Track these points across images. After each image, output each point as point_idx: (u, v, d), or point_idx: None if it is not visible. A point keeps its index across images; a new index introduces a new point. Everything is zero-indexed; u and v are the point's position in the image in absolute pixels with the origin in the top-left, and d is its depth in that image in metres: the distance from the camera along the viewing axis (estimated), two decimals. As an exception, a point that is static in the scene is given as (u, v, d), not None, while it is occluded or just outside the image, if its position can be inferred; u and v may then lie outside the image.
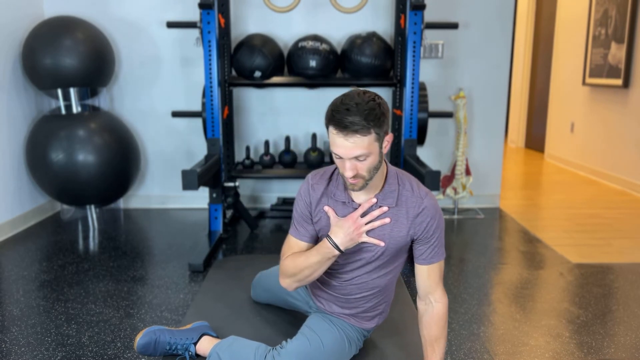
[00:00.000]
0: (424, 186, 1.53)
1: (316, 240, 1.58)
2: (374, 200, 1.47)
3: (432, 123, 3.69)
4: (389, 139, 1.41)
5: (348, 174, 1.37)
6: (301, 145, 3.70)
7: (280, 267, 1.57)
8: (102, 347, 1.90)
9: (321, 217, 1.53)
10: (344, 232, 1.43)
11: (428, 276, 1.52)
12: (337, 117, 1.33)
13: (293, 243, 1.58)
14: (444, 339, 1.55)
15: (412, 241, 1.52)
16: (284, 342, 1.62)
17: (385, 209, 1.46)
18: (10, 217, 3.18)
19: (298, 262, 1.51)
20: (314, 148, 3.36)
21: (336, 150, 1.36)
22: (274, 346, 1.66)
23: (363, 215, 1.46)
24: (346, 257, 1.55)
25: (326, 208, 1.48)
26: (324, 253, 1.45)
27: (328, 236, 1.44)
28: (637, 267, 2.68)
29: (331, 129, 1.35)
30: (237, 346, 1.61)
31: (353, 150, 1.33)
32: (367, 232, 1.46)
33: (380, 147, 1.38)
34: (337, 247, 1.43)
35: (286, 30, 3.54)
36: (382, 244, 1.45)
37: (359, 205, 1.48)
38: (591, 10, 4.77)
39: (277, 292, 2.03)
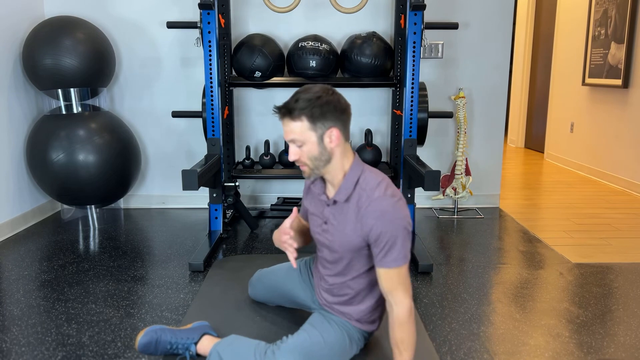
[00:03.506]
0: (389, 189, 1.52)
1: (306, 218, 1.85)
2: (294, 213, 1.68)
3: (432, 123, 3.70)
4: (333, 133, 1.50)
5: (290, 157, 1.54)
6: (301, 145, 3.70)
7: None
8: (102, 346, 1.90)
9: (309, 204, 1.74)
10: (277, 236, 1.73)
11: (384, 279, 1.52)
12: (284, 102, 1.52)
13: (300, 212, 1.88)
14: (409, 341, 1.53)
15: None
16: (284, 337, 1.63)
17: (294, 214, 1.67)
18: (10, 217, 3.19)
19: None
20: (314, 148, 3.36)
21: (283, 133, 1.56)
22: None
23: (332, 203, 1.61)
24: (320, 256, 1.72)
25: (294, 209, 1.70)
26: None
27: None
28: (637, 266, 2.69)
29: None
30: (237, 344, 1.62)
31: (287, 134, 1.52)
32: (327, 225, 1.61)
33: (321, 139, 1.50)
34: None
35: (286, 30, 3.54)
36: (295, 265, 1.66)
37: (327, 197, 1.63)
38: (591, 11, 4.77)
39: (279, 290, 2.03)
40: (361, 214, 1.51)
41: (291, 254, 1.65)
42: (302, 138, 1.50)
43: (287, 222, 1.69)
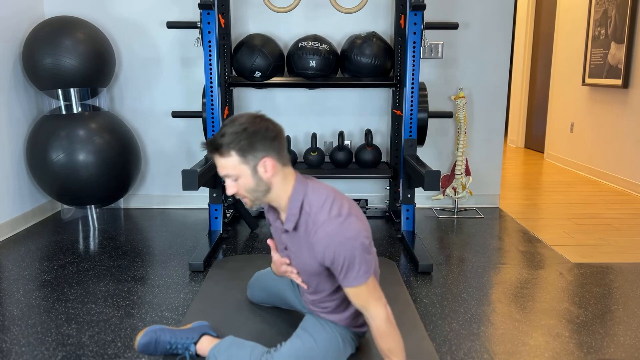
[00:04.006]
0: (334, 207, 1.47)
1: None
2: (272, 244, 1.70)
3: (432, 123, 3.70)
4: (267, 163, 1.44)
5: (228, 192, 1.49)
6: (301, 145, 3.70)
7: None
8: (102, 346, 1.90)
9: (271, 230, 1.72)
10: (275, 268, 1.76)
11: (353, 297, 1.51)
12: (211, 137, 1.49)
13: None
14: (397, 348, 1.52)
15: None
16: (278, 345, 1.64)
17: (286, 260, 1.66)
18: (10, 217, 3.19)
19: None
20: (313, 148, 3.37)
21: None
22: (273, 347, 1.67)
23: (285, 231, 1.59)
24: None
25: (269, 241, 1.72)
26: None
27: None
28: (636, 267, 2.69)
29: None
30: (233, 349, 1.63)
31: (221, 169, 1.47)
32: (288, 250, 1.62)
33: (255, 171, 1.44)
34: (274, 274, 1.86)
35: (286, 30, 3.54)
36: (305, 287, 1.66)
37: (282, 224, 1.59)
38: (591, 11, 4.77)
39: (274, 291, 2.04)
40: (310, 242, 1.48)
41: (298, 279, 1.65)
42: (235, 173, 1.44)
43: (275, 255, 1.69)
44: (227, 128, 1.42)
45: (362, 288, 1.48)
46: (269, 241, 1.70)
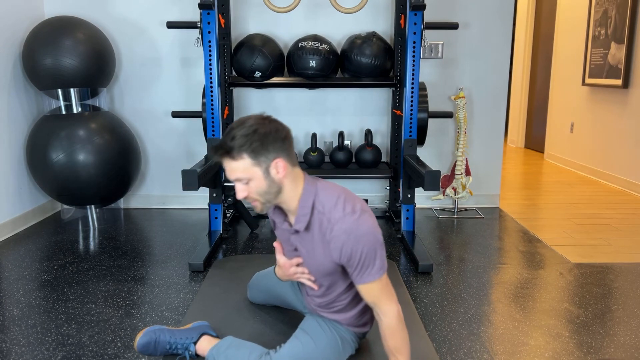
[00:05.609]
0: (348, 205, 1.47)
1: None
2: (278, 246, 1.67)
3: (432, 123, 3.69)
4: (279, 164, 1.43)
5: (238, 196, 1.46)
6: (301, 145, 3.70)
7: None
8: (102, 346, 1.90)
9: (276, 232, 1.70)
10: (281, 272, 1.72)
11: (366, 294, 1.51)
12: (219, 140, 1.45)
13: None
14: (405, 347, 1.52)
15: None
16: (277, 346, 1.63)
17: (299, 260, 1.61)
18: (10, 217, 3.19)
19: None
20: (313, 148, 3.37)
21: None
22: (272, 347, 1.67)
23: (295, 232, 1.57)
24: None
25: (275, 244, 1.69)
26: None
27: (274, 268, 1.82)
28: (637, 267, 2.69)
29: None
30: (232, 350, 1.63)
31: (231, 173, 1.44)
32: (298, 251, 1.60)
33: (267, 173, 1.42)
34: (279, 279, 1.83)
35: (286, 30, 3.54)
36: (316, 287, 1.63)
37: (290, 226, 1.58)
38: (591, 11, 4.77)
39: (274, 292, 2.04)
40: (327, 240, 1.47)
41: (308, 281, 1.63)
42: (247, 176, 1.41)
43: (282, 258, 1.66)
44: (237, 131, 1.39)
45: (377, 284, 1.48)
46: (275, 244, 1.68)
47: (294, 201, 1.51)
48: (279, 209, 1.61)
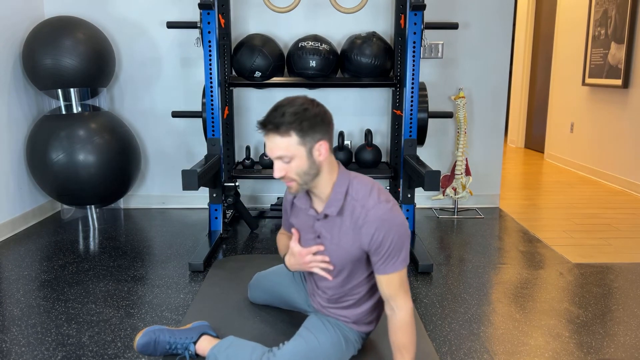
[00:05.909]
0: (382, 194, 1.49)
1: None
2: (296, 234, 1.65)
3: (432, 123, 3.69)
4: (322, 146, 1.44)
5: (276, 174, 1.46)
6: (301, 145, 3.70)
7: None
8: (102, 346, 1.90)
9: (295, 219, 1.69)
10: (294, 260, 1.65)
11: (386, 285, 1.51)
12: (265, 116, 1.43)
13: (282, 228, 1.88)
14: (412, 345, 1.53)
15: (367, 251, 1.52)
16: (280, 344, 1.63)
17: (320, 247, 1.58)
18: (10, 217, 3.19)
19: (279, 245, 1.84)
20: (314, 148, 3.36)
21: (266, 150, 1.47)
22: (272, 347, 1.66)
23: (321, 218, 1.57)
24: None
25: (293, 230, 1.67)
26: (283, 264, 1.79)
27: (284, 257, 1.73)
28: (636, 267, 2.69)
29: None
30: (233, 349, 1.62)
31: (274, 151, 1.43)
32: (321, 238, 1.58)
33: (310, 153, 1.43)
34: (287, 268, 1.71)
35: (286, 30, 3.54)
36: (330, 278, 1.60)
37: (316, 212, 1.58)
38: (591, 11, 4.77)
39: (276, 293, 2.03)
40: (359, 225, 1.48)
41: (323, 272, 1.61)
42: (290, 154, 1.42)
43: (297, 246, 1.63)
44: (287, 108, 1.40)
45: (398, 276, 1.49)
46: (293, 230, 1.66)
47: (327, 186, 1.52)
48: (305, 195, 1.62)
